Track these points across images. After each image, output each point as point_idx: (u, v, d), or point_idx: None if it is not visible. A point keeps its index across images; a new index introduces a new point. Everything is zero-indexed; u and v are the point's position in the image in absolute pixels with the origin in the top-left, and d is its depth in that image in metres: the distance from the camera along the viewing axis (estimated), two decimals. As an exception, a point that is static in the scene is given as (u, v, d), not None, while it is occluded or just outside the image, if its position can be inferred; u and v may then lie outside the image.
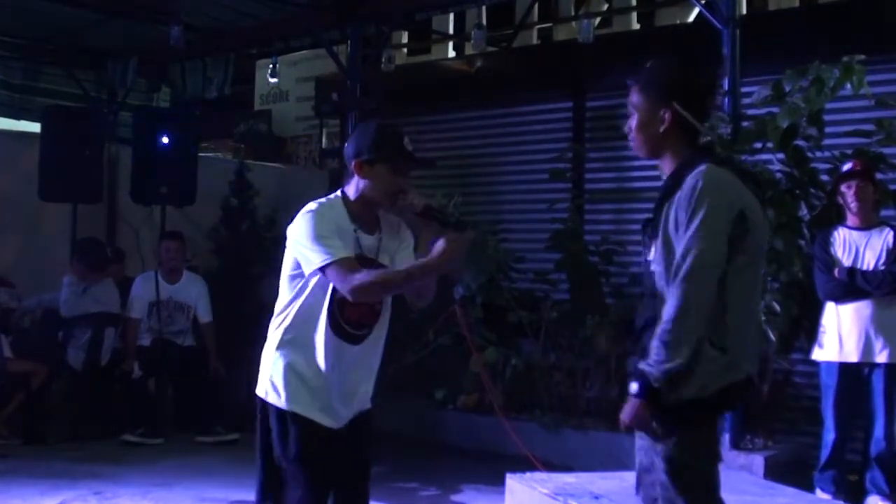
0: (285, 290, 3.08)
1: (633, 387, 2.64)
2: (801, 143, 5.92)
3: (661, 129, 2.78)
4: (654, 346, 2.59)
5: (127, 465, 6.34)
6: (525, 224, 8.42)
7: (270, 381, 3.07)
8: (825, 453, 5.36)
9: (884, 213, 5.65)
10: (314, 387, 3.03)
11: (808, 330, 5.65)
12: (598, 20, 8.38)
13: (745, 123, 6.03)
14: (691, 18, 7.97)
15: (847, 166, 5.47)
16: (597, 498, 4.35)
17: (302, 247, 2.98)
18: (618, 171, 8.14)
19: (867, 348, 5.21)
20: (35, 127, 8.76)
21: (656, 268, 2.71)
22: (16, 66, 9.62)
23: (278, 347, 3.07)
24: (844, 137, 6.06)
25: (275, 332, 3.10)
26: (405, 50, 10.21)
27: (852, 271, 5.24)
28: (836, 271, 5.27)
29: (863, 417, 5.41)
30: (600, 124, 8.24)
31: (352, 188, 3.10)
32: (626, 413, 2.67)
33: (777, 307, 5.58)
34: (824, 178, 5.92)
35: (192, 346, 7.49)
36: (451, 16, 9.55)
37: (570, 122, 8.58)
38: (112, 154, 9.12)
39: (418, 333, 7.18)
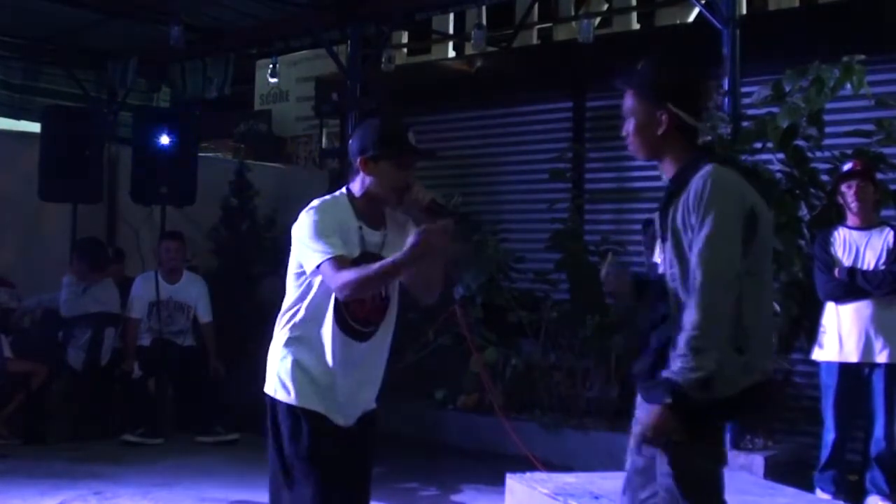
0: (292, 288, 3.08)
1: (663, 397, 2.57)
2: (801, 143, 5.92)
3: (660, 132, 2.76)
4: (682, 353, 2.54)
5: (127, 465, 6.34)
6: (525, 224, 8.42)
7: (279, 378, 3.06)
8: (825, 453, 5.36)
9: (884, 213, 5.65)
10: (322, 384, 3.02)
11: (808, 330, 5.65)
12: (598, 20, 8.39)
13: (745, 123, 6.03)
14: (691, 18, 7.98)
15: (847, 166, 5.47)
16: (597, 498, 4.35)
17: (303, 245, 2.99)
18: (618, 171, 8.14)
19: (867, 348, 5.21)
20: (35, 127, 8.76)
21: (669, 270, 2.68)
22: (16, 66, 9.63)
23: (286, 345, 3.07)
24: (844, 137, 6.06)
25: (282, 330, 3.09)
26: (405, 50, 10.22)
27: (852, 271, 5.23)
28: (836, 271, 5.27)
29: (863, 417, 5.41)
30: (600, 124, 8.24)
31: (357, 185, 3.09)
32: (653, 423, 2.61)
33: (777, 307, 5.58)
34: (824, 178, 5.92)
35: (192, 346, 7.49)
36: (451, 16, 9.55)
37: (570, 122, 8.59)
38: (112, 154, 9.12)
39: (418, 333, 7.18)
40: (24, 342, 7.27)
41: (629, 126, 2.83)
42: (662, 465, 2.68)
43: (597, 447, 6.34)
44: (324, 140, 10.75)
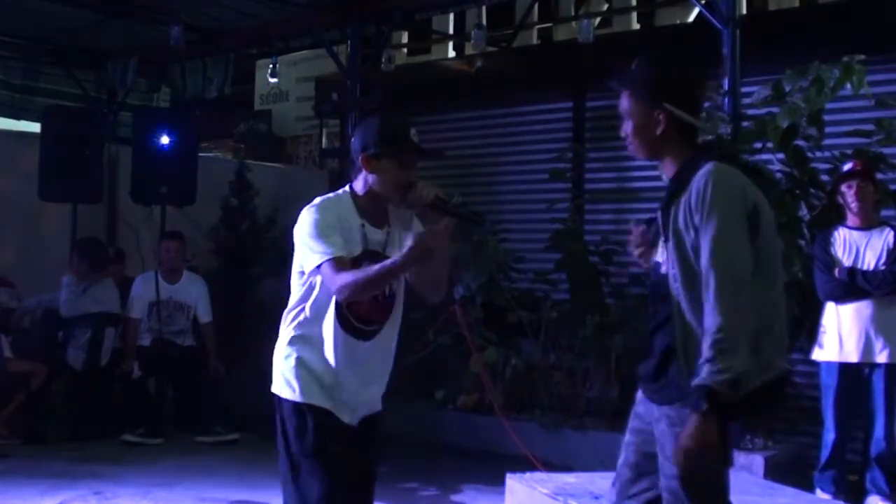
0: (296, 287, 3.08)
1: (699, 406, 2.49)
2: (801, 143, 5.92)
3: (658, 132, 2.74)
4: (708, 358, 2.48)
5: (127, 465, 6.33)
6: (525, 224, 8.42)
7: (283, 376, 3.06)
8: (825, 453, 5.36)
9: (884, 213, 5.65)
10: (325, 382, 3.02)
11: (809, 330, 5.65)
12: (598, 20, 8.38)
13: (745, 123, 6.02)
14: (691, 18, 7.97)
15: (847, 166, 5.46)
16: (597, 498, 4.34)
17: (303, 245, 2.99)
18: (618, 171, 8.15)
19: (867, 348, 5.21)
20: (35, 127, 8.76)
21: (671, 270, 2.66)
22: (16, 66, 9.63)
23: (290, 343, 3.07)
24: (844, 137, 6.06)
25: (286, 329, 3.10)
26: (405, 50, 10.21)
27: (853, 271, 5.23)
28: (836, 271, 5.27)
29: (863, 417, 5.41)
30: (600, 124, 8.24)
31: (360, 183, 3.08)
32: (694, 434, 2.51)
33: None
34: (824, 178, 5.92)
35: (192, 346, 7.49)
36: (451, 16, 9.55)
37: (570, 122, 8.59)
38: (112, 154, 9.13)
39: (418, 333, 7.17)
40: (24, 342, 7.27)
41: (627, 127, 2.81)
42: (667, 468, 2.65)
43: (597, 447, 6.34)
44: (324, 140, 10.74)
